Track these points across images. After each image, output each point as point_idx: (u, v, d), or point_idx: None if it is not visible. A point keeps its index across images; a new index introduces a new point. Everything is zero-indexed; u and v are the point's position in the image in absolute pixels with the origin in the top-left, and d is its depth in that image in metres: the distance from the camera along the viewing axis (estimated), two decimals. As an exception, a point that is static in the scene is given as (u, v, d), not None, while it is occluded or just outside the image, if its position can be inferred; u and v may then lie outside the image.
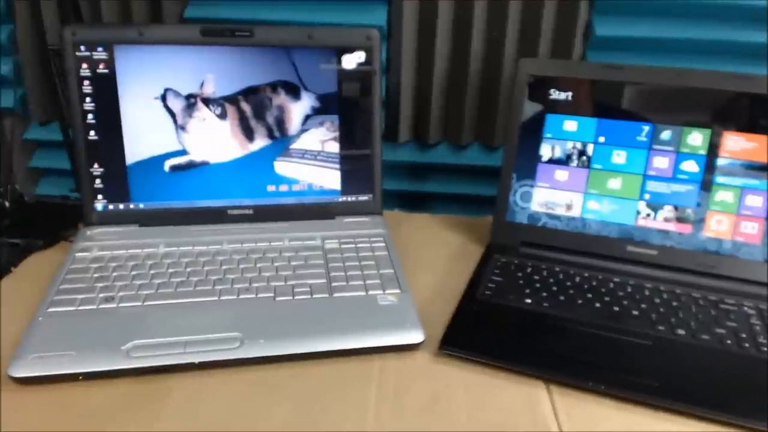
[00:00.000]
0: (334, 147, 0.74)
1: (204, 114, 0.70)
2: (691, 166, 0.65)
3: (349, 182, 0.75)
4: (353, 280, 0.62)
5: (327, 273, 0.63)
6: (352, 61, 0.72)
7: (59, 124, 0.79)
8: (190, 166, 0.71)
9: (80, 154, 0.69)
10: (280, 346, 0.53)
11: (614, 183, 0.68)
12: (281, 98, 0.72)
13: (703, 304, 0.61)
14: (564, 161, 0.69)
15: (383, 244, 0.69)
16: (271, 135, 0.73)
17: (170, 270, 0.62)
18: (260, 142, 0.72)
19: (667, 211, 0.67)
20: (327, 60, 0.72)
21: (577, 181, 0.69)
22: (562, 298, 0.61)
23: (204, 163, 0.72)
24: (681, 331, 0.56)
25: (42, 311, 0.56)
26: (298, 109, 0.72)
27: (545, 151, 0.70)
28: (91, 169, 0.69)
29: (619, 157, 0.68)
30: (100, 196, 0.70)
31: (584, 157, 0.69)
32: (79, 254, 0.65)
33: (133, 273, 0.62)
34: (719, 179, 0.65)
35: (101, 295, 0.58)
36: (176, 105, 0.69)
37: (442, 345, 0.55)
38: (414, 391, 0.50)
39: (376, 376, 0.52)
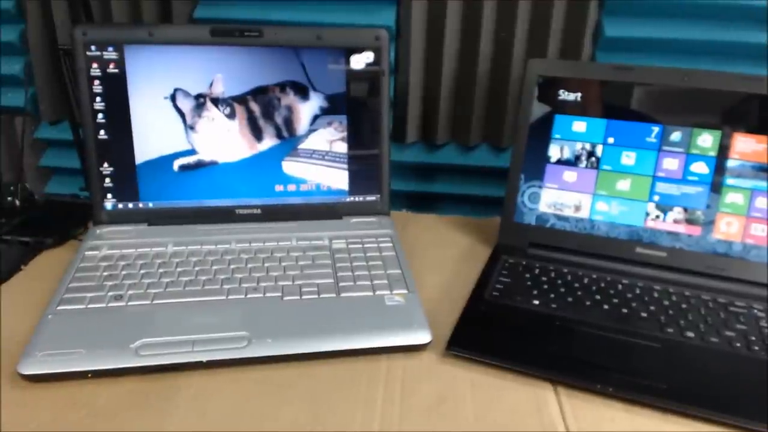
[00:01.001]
0: (342, 147, 0.74)
1: (213, 114, 0.70)
2: (701, 168, 0.65)
3: (357, 182, 0.75)
4: (360, 280, 0.62)
5: (334, 273, 0.63)
6: (360, 61, 0.72)
7: (69, 123, 0.80)
8: (199, 165, 0.72)
9: (90, 154, 0.69)
10: (288, 346, 0.53)
11: (623, 184, 0.68)
12: (290, 98, 0.72)
13: (713, 306, 0.60)
14: (573, 162, 0.69)
15: (390, 245, 0.69)
16: (279, 135, 0.73)
17: (179, 269, 0.62)
18: (269, 141, 0.73)
19: (677, 212, 0.66)
20: (336, 60, 0.72)
21: (585, 183, 0.69)
22: (570, 299, 0.61)
23: (213, 163, 0.72)
24: (690, 334, 0.56)
25: (51, 309, 0.56)
26: (306, 109, 0.73)
27: (554, 152, 0.70)
28: (101, 169, 0.70)
29: (628, 158, 0.67)
30: (109, 195, 0.71)
31: (593, 158, 0.68)
32: (89, 253, 0.65)
33: (142, 272, 0.62)
34: (729, 181, 0.64)
35: (110, 293, 0.58)
36: (185, 105, 0.70)
37: (450, 345, 0.55)
38: (421, 392, 0.50)
39: (383, 376, 0.52)
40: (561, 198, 0.70)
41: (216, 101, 0.70)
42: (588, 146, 0.68)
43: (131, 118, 0.69)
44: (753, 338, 0.55)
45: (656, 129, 0.66)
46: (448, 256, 0.73)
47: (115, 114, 0.68)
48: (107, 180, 0.70)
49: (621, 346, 0.55)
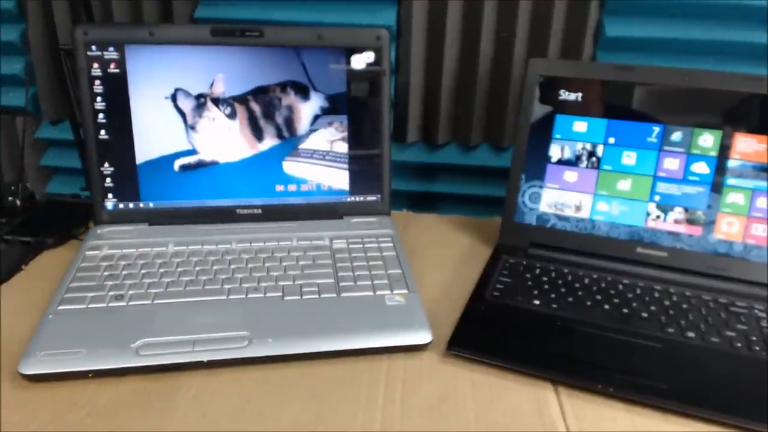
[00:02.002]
0: (343, 147, 0.74)
1: (214, 114, 0.70)
2: (701, 168, 0.65)
3: (358, 182, 0.75)
4: (361, 280, 0.62)
5: (335, 273, 0.63)
6: (361, 61, 0.72)
7: (70, 123, 0.80)
8: (200, 165, 0.72)
9: (91, 153, 0.69)
10: (288, 346, 0.53)
11: (624, 184, 0.68)
12: (290, 98, 0.72)
13: (713, 306, 0.60)
14: (573, 162, 0.69)
15: (391, 245, 0.69)
16: (280, 135, 0.73)
17: (179, 269, 0.62)
18: (269, 141, 0.73)
19: (678, 212, 0.66)
20: (336, 60, 0.72)
21: (586, 183, 0.69)
22: (570, 299, 0.61)
23: (213, 163, 0.72)
24: (691, 334, 0.56)
25: (52, 309, 0.56)
26: (307, 109, 0.73)
27: (554, 151, 0.70)
28: (102, 168, 0.70)
29: (629, 158, 0.67)
30: (110, 195, 0.71)
31: (594, 158, 0.68)
32: (90, 252, 0.65)
33: (143, 271, 0.62)
34: (730, 181, 0.64)
35: (111, 293, 0.59)
36: (186, 105, 0.70)
37: (450, 345, 0.55)
38: (422, 392, 0.50)
39: (383, 376, 0.52)
40: (562, 198, 0.70)
41: (217, 101, 0.70)
42: (589, 146, 0.68)
43: (132, 118, 0.69)
44: (754, 338, 0.55)
45: (657, 129, 0.66)
46: (449, 256, 0.73)
47: (115, 114, 0.69)
48: (108, 180, 0.70)
49: (622, 346, 0.55)
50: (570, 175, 0.70)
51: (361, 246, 0.69)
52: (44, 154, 0.96)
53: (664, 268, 0.66)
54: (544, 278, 0.65)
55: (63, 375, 0.50)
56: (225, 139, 0.71)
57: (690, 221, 0.66)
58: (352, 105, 0.73)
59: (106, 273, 0.62)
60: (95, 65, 0.67)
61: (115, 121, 0.69)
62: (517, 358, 0.53)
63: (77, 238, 0.74)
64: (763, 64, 0.76)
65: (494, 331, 0.57)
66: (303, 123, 0.73)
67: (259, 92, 0.71)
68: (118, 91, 0.68)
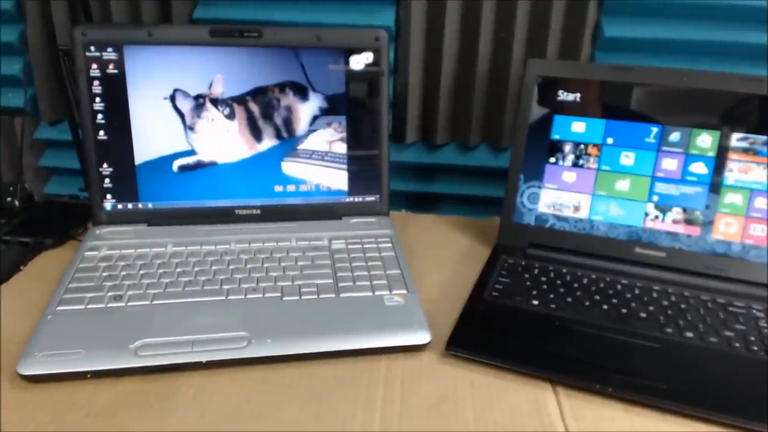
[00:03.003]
0: (342, 147, 0.74)
1: (212, 114, 0.70)
2: (700, 168, 0.65)
3: (356, 183, 0.75)
4: (360, 281, 0.62)
5: (334, 273, 0.63)
6: (360, 62, 0.72)
7: (69, 123, 0.80)
8: (199, 166, 0.72)
9: (89, 154, 0.69)
10: (287, 346, 0.53)
11: (622, 184, 0.68)
12: (289, 99, 0.72)
13: (712, 306, 0.60)
14: (572, 162, 0.69)
15: (390, 245, 0.69)
16: (278, 135, 0.73)
17: (178, 269, 0.62)
18: (268, 142, 0.73)
19: (676, 213, 0.66)
20: (335, 61, 0.72)
21: (585, 183, 0.69)
22: (569, 299, 0.61)
23: (212, 163, 0.72)
24: (689, 334, 0.56)
25: (51, 310, 0.56)
26: (305, 110, 0.73)
27: (553, 152, 0.70)
28: (101, 169, 0.70)
29: (627, 158, 0.67)
30: (109, 196, 0.71)
31: (592, 159, 0.68)
32: (88, 253, 0.65)
33: (142, 272, 0.62)
34: (728, 181, 0.64)
35: (110, 293, 0.58)
36: (185, 105, 0.70)
37: (449, 346, 0.55)
38: (421, 392, 0.50)
39: (382, 376, 0.52)
40: (560, 198, 0.70)
41: (215, 102, 0.70)
42: (587, 146, 0.68)
43: (131, 119, 0.69)
44: (752, 338, 0.55)
45: (655, 129, 0.66)
46: (448, 256, 0.73)
47: (114, 114, 0.69)
48: (107, 180, 0.70)
49: (620, 346, 0.55)
50: (568, 175, 0.70)
51: (360, 246, 0.69)
52: (43, 154, 0.96)
53: (663, 269, 0.66)
54: (543, 278, 0.65)
55: (62, 375, 0.50)
56: (224, 140, 0.71)
57: (688, 221, 0.66)
58: (350, 105, 0.73)
59: (104, 273, 0.62)
60: (94, 66, 0.67)
61: (114, 122, 0.69)
62: (515, 358, 0.53)
63: (76, 239, 0.74)
64: (762, 64, 0.76)
65: (493, 332, 0.57)
66: (302, 123, 0.73)
67: (258, 93, 0.71)
68: (116, 91, 0.68)
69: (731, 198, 0.64)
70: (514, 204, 0.72)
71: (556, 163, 0.70)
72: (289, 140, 0.73)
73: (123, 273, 0.62)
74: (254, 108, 0.72)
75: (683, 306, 0.60)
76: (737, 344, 0.55)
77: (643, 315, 0.59)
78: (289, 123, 0.73)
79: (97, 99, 0.68)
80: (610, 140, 0.68)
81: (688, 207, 0.66)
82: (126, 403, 0.48)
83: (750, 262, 0.64)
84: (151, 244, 0.67)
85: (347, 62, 0.72)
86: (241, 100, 0.71)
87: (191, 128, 0.70)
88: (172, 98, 0.69)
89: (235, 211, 0.73)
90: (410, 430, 0.47)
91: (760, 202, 0.63)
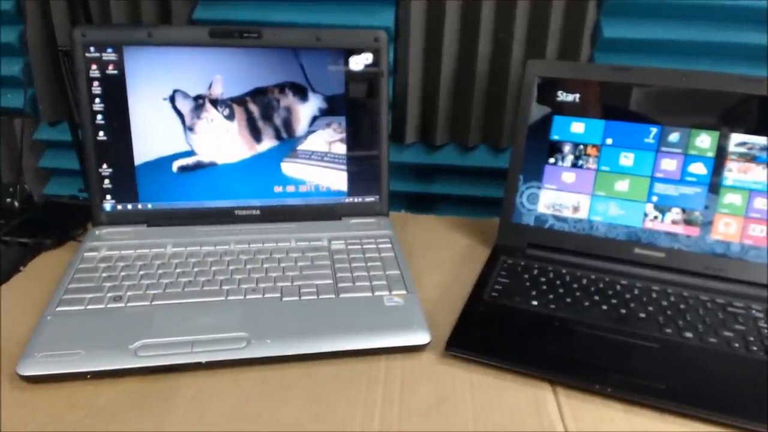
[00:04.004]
0: (341, 148, 0.74)
1: (212, 115, 0.70)
2: (699, 169, 0.65)
3: (356, 183, 0.75)
4: (359, 281, 0.62)
5: (333, 274, 0.63)
6: (359, 62, 0.72)
7: (68, 124, 0.80)
8: (198, 166, 0.72)
9: (89, 155, 0.69)
10: (287, 346, 0.53)
11: (622, 185, 0.68)
12: (289, 99, 0.72)
13: (711, 307, 0.60)
14: (571, 163, 0.69)
15: (390, 245, 0.69)
16: (278, 136, 0.73)
17: (178, 270, 0.62)
18: (267, 143, 0.73)
19: (675, 213, 0.67)
20: (334, 61, 0.72)
21: (584, 183, 0.69)
22: (568, 300, 0.61)
23: (212, 164, 0.72)
24: (688, 334, 0.56)
25: (50, 310, 0.56)
26: (305, 111, 0.73)
27: (552, 152, 0.70)
28: (100, 170, 0.70)
29: (626, 159, 0.67)
30: (108, 197, 0.71)
31: (591, 159, 0.69)
32: (88, 254, 0.65)
33: (141, 273, 0.62)
34: (727, 182, 0.64)
35: (109, 294, 0.58)
36: (185, 106, 0.70)
37: (448, 346, 0.55)
38: (420, 392, 0.50)
39: (382, 376, 0.52)
40: (559, 199, 0.70)
41: (215, 102, 0.70)
42: (586, 147, 0.68)
43: (130, 120, 0.69)
44: (751, 338, 0.56)
45: (654, 130, 0.66)
46: (447, 256, 0.73)
47: (114, 115, 0.69)
48: (106, 181, 0.70)
49: (619, 347, 0.55)
50: (568, 176, 0.70)
51: (359, 247, 0.69)
52: (42, 155, 0.96)
53: (662, 269, 0.66)
54: (542, 279, 0.65)
55: (61, 376, 0.50)
56: (223, 141, 0.72)
57: (687, 222, 0.66)
58: (350, 106, 0.73)
59: (104, 274, 0.62)
60: (93, 66, 0.67)
61: (114, 123, 0.69)
62: (515, 358, 0.53)
63: (75, 240, 0.74)
64: (761, 65, 0.76)
65: (492, 332, 0.57)
66: (301, 124, 0.73)
67: (258, 93, 0.71)
68: (116, 92, 0.68)
69: (730, 198, 0.64)
70: (513, 204, 0.72)
71: (555, 164, 0.70)
72: (288, 141, 0.73)
73: (123, 273, 0.62)
74: (254, 109, 0.72)
75: (682, 306, 0.60)
76: (736, 344, 0.55)
77: (642, 315, 0.59)
78: (288, 123, 0.73)
79: (97, 100, 0.68)
80: (609, 141, 0.68)
81: (688, 207, 0.66)
82: (126, 403, 0.48)
83: (749, 262, 0.64)
84: (150, 245, 0.67)
85: (347, 63, 0.72)
86: (240, 100, 0.71)
87: (191, 129, 0.70)
88: (172, 99, 0.69)
89: (234, 211, 0.73)
90: (410, 431, 0.47)
91: (759, 203, 0.64)
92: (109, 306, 0.57)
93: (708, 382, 0.51)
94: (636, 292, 0.63)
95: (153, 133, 0.70)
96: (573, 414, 0.48)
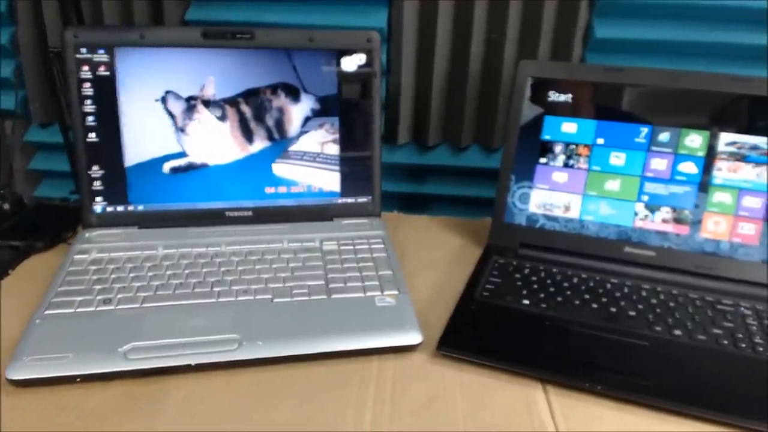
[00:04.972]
0: (334, 149, 0.74)
1: (204, 116, 0.70)
2: (689, 168, 0.65)
3: (348, 184, 0.75)
4: (351, 282, 0.62)
5: (325, 274, 0.63)
6: (352, 63, 0.72)
7: (59, 126, 0.79)
8: (190, 168, 0.71)
9: (80, 156, 0.69)
10: (278, 348, 0.53)
11: (612, 184, 0.68)
12: (281, 100, 0.72)
13: (700, 304, 0.61)
14: (563, 163, 0.69)
15: (382, 246, 0.69)
16: (270, 137, 0.73)
17: (168, 272, 0.62)
18: (260, 144, 0.73)
19: (665, 212, 0.67)
20: (327, 62, 0.72)
21: (575, 183, 0.69)
22: (559, 299, 0.61)
23: (203, 165, 0.72)
24: (678, 332, 0.56)
25: (40, 314, 0.56)
26: (297, 111, 0.73)
27: (544, 152, 0.70)
28: (91, 171, 0.69)
29: (617, 158, 0.68)
30: (99, 198, 0.70)
31: (583, 159, 0.69)
32: (78, 256, 0.65)
33: (132, 275, 0.62)
34: (717, 180, 0.65)
35: (99, 297, 0.58)
36: (176, 107, 0.69)
37: (440, 346, 0.55)
38: (412, 392, 0.51)
39: (374, 377, 0.52)
40: (551, 198, 0.71)
41: (207, 103, 0.70)
42: (578, 147, 0.69)
43: (121, 121, 0.69)
44: (740, 336, 0.56)
45: (645, 129, 0.66)
46: (439, 256, 0.73)
47: (105, 116, 0.68)
48: (97, 183, 0.70)
49: (610, 345, 0.55)
50: (559, 175, 0.70)
51: (351, 247, 0.69)
52: (33, 157, 0.95)
53: (652, 267, 0.66)
54: (534, 278, 0.65)
55: (51, 380, 0.49)
56: (215, 142, 0.71)
57: (677, 220, 0.66)
58: (343, 107, 0.73)
59: (94, 277, 0.61)
60: (85, 68, 0.67)
61: (105, 124, 0.68)
62: (506, 357, 0.53)
63: (66, 242, 0.74)
64: (755, 65, 0.76)
65: (484, 332, 0.57)
66: (294, 125, 0.73)
67: (250, 94, 0.71)
68: (107, 93, 0.68)
69: (720, 197, 0.65)
70: (505, 204, 0.72)
71: (546, 164, 0.70)
72: (280, 142, 0.73)
73: (113, 276, 0.62)
74: (246, 109, 0.71)
75: (672, 304, 0.61)
76: (725, 341, 0.55)
77: (632, 313, 0.59)
78: (281, 124, 0.73)
79: (88, 101, 0.68)
80: (600, 141, 0.68)
81: (678, 206, 0.66)
82: (116, 406, 0.48)
83: (738, 260, 0.65)
84: (141, 247, 0.66)
85: (339, 63, 0.72)
86: (233, 101, 0.71)
87: (182, 130, 0.70)
88: (164, 100, 0.69)
89: (226, 213, 0.73)
90: (401, 430, 0.47)
91: (748, 201, 0.64)
92: (98, 309, 0.57)
93: (697, 379, 0.51)
94: (626, 290, 0.63)
95: (144, 134, 0.69)
96: (563, 412, 0.49)
